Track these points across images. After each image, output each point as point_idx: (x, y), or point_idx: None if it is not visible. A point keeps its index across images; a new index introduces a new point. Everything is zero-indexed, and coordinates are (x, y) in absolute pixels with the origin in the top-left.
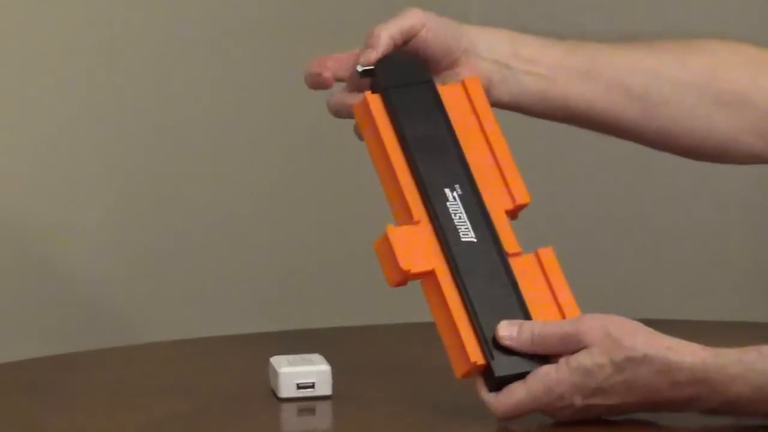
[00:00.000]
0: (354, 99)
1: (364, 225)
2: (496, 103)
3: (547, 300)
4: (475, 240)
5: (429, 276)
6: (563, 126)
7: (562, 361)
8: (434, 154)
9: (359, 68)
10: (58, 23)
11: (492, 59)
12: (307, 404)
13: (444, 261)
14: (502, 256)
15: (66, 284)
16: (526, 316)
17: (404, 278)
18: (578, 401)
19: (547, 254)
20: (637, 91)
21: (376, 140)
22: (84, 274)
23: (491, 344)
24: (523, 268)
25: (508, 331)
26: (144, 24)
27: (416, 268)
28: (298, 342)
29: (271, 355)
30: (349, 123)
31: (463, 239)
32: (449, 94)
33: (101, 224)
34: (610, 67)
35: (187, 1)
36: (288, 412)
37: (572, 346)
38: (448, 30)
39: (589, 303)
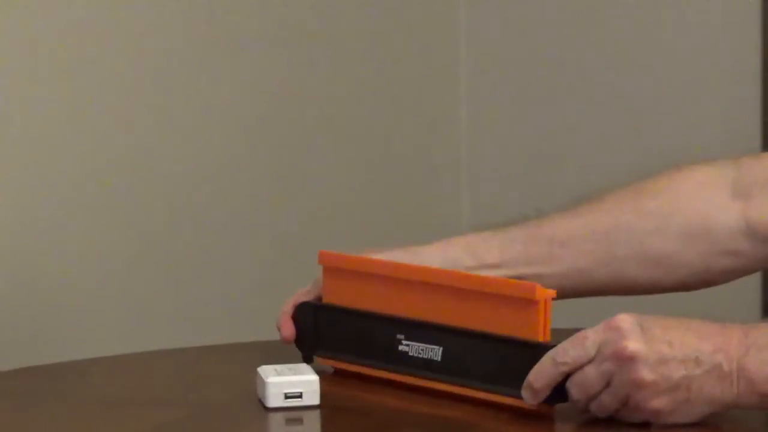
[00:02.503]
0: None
1: (353, 235)
2: None
3: None
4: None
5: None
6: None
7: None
8: None
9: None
10: (44, 26)
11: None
12: (294, 414)
13: None
14: None
15: (50, 292)
16: None
17: None
18: (635, 319)
19: None
20: (599, 255)
21: None
22: (69, 280)
23: None
24: None
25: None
26: (129, 34)
27: None
28: (286, 351)
29: (259, 365)
30: (348, 135)
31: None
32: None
33: (87, 231)
34: (570, 241)
35: (182, 7)
36: (276, 421)
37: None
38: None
39: (590, 303)
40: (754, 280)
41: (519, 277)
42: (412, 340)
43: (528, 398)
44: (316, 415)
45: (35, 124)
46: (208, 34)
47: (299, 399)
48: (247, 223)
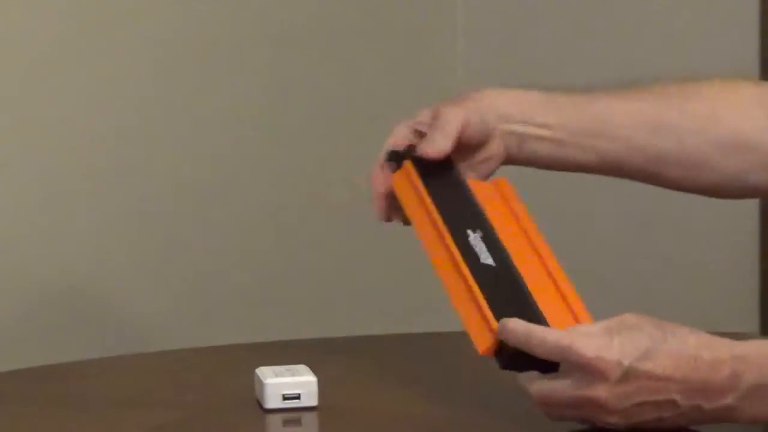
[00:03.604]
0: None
1: (350, 238)
2: (509, 163)
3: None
4: (494, 264)
5: (446, 253)
6: None
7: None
8: (464, 218)
9: (389, 149)
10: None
11: (507, 131)
12: (292, 415)
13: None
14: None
15: (48, 294)
16: (536, 308)
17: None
18: (626, 362)
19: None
20: (640, 144)
21: (417, 201)
22: (66, 283)
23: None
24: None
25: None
26: (128, 34)
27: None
28: (283, 353)
29: (257, 366)
30: (344, 141)
31: (481, 261)
32: (478, 187)
33: (87, 232)
34: (613, 123)
35: (182, 8)
36: (274, 423)
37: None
38: (482, 120)
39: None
40: (753, 280)
41: (561, 143)
42: (480, 241)
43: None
44: (314, 416)
45: (35, 124)
46: (207, 34)
47: (297, 400)
48: (246, 223)
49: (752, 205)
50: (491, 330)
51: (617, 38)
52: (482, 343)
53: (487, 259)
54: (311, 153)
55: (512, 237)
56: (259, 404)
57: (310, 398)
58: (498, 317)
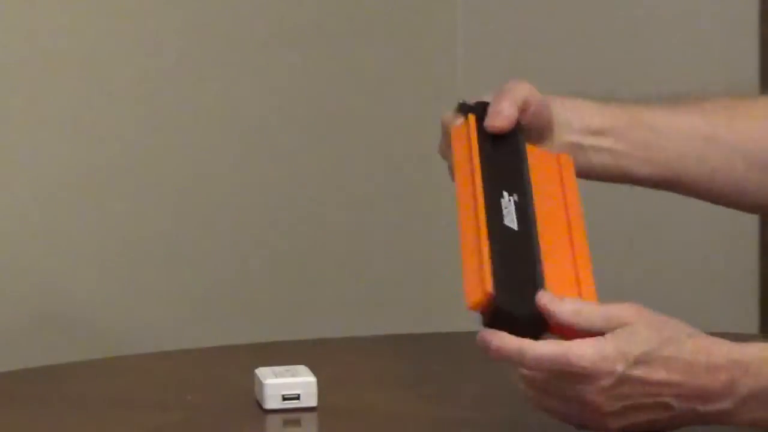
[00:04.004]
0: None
1: (350, 237)
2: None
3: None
4: (516, 228)
5: (472, 208)
6: None
7: (606, 334)
8: (506, 180)
9: (460, 101)
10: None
11: (566, 142)
12: (292, 416)
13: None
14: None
15: (49, 294)
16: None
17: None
18: (620, 368)
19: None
20: (693, 158)
21: (466, 157)
22: (65, 283)
23: (502, 281)
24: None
25: (548, 298)
26: (128, 34)
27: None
28: (283, 353)
29: (257, 367)
30: (344, 141)
31: (504, 222)
32: (538, 155)
33: (87, 232)
34: (667, 136)
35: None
36: (273, 423)
37: (614, 323)
38: (545, 107)
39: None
40: (753, 280)
41: (618, 153)
42: (512, 204)
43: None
44: (313, 417)
45: (35, 124)
46: (207, 35)
47: (297, 401)
48: (246, 223)
49: None
50: (485, 289)
51: (617, 38)
52: (472, 297)
53: (511, 222)
54: (311, 153)
55: (549, 208)
56: (259, 405)
57: (309, 399)
58: (497, 278)
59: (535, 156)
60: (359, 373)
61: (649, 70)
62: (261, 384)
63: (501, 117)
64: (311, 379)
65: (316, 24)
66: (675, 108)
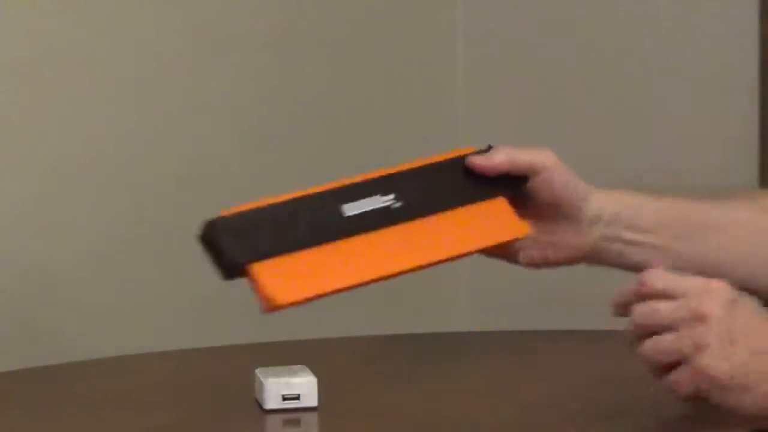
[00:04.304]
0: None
1: None
2: (590, 263)
3: None
4: (340, 214)
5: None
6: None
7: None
8: (406, 187)
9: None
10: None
11: (606, 236)
12: (292, 416)
13: None
14: None
15: (48, 294)
16: None
17: None
18: (734, 293)
19: None
20: (735, 254)
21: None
22: (65, 283)
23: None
24: None
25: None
26: (127, 34)
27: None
28: (283, 353)
29: (257, 367)
30: (344, 141)
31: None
32: (495, 209)
33: (86, 231)
34: (720, 233)
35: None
36: (273, 423)
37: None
38: (568, 187)
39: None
40: None
41: (664, 249)
42: (356, 200)
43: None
44: (314, 417)
45: (35, 124)
46: (206, 35)
47: (297, 401)
48: None
49: None
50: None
51: (617, 38)
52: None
53: (348, 210)
54: (311, 153)
55: (430, 233)
56: (259, 405)
57: (309, 398)
58: (238, 217)
59: (487, 206)
60: (359, 373)
61: (649, 69)
62: (261, 384)
63: (482, 158)
64: (311, 379)
65: (315, 24)
66: (713, 201)
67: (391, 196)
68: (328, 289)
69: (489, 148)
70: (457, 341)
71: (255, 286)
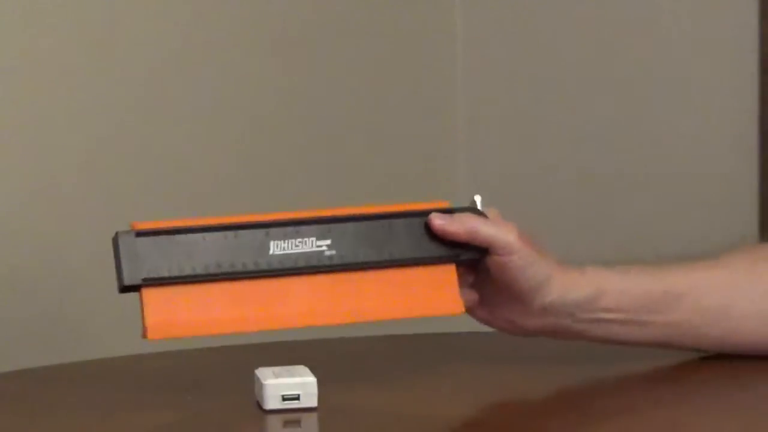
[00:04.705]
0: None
1: None
2: (558, 338)
3: None
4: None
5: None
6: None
7: None
8: (350, 236)
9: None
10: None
11: (563, 321)
12: (292, 416)
13: None
14: None
15: (49, 294)
16: None
17: None
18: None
19: None
20: (716, 315)
21: (390, 206)
22: (66, 283)
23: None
24: None
25: (440, 219)
26: (126, 34)
27: None
28: (283, 353)
29: (256, 367)
30: (344, 141)
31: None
32: (441, 275)
33: (86, 232)
34: (685, 299)
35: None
36: (273, 424)
37: None
38: (524, 274)
39: None
40: None
41: (631, 321)
42: (288, 239)
43: (437, 221)
44: (314, 417)
45: (34, 123)
46: (206, 35)
47: (297, 401)
48: None
49: (752, 206)
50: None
51: (617, 38)
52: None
53: (274, 249)
54: (311, 153)
55: (359, 284)
56: (259, 405)
57: (309, 399)
58: (152, 237)
59: (432, 272)
60: (360, 373)
61: (649, 69)
62: (261, 384)
63: (441, 220)
64: (311, 379)
65: (315, 23)
66: (692, 265)
67: (328, 242)
68: (213, 331)
69: (473, 205)
70: (456, 341)
71: (141, 310)
